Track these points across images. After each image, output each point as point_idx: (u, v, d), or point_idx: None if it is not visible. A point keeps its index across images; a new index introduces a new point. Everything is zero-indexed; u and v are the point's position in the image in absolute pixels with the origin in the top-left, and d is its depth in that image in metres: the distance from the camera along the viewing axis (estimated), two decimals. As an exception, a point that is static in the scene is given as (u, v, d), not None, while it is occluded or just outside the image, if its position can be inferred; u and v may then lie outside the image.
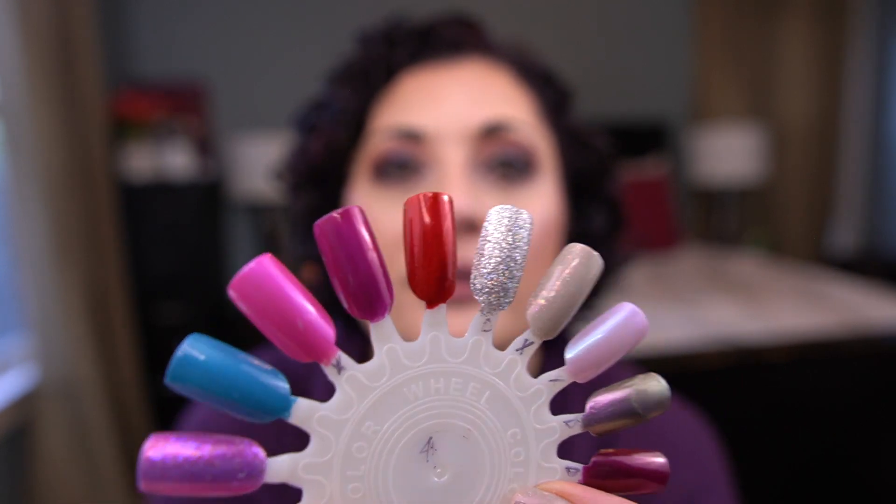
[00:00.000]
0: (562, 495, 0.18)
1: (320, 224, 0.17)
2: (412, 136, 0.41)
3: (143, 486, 0.15)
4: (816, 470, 1.34)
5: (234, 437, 0.16)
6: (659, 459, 0.19)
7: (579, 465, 0.20)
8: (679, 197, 2.72)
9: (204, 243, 2.03)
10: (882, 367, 1.35)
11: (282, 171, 0.49)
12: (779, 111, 2.70)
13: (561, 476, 0.19)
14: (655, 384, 0.19)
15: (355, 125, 0.45)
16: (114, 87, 2.03)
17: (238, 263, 2.37)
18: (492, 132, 0.41)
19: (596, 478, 0.19)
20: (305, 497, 0.18)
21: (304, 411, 0.18)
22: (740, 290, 1.77)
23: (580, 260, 0.19)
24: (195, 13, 2.27)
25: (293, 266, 0.53)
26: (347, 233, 0.17)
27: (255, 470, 0.16)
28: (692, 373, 1.29)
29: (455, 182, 0.39)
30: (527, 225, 0.18)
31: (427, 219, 0.17)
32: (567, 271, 0.19)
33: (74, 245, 1.40)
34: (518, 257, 0.18)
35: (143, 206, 1.88)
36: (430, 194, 0.18)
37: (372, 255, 0.17)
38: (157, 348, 1.88)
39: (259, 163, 2.02)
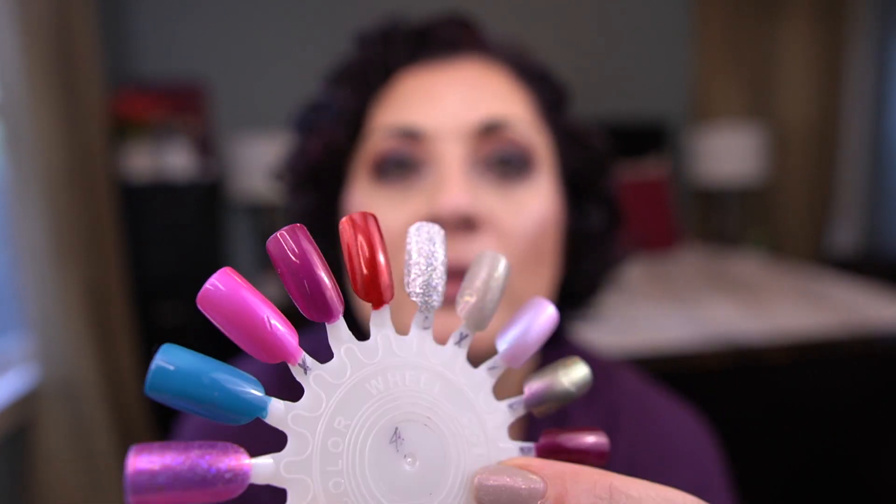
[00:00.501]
0: (523, 468, 0.19)
1: (271, 242, 0.19)
2: (411, 135, 0.41)
3: (130, 498, 0.15)
4: (816, 470, 1.34)
5: (216, 441, 0.17)
6: (594, 438, 0.21)
7: (531, 445, 0.21)
8: (679, 197, 2.72)
9: (204, 243, 2.03)
10: (882, 367, 1.35)
11: (281, 172, 0.49)
12: (779, 111, 2.70)
13: (517, 455, 0.21)
14: (577, 366, 0.22)
15: (354, 125, 0.45)
16: (114, 87, 2.03)
17: (238, 263, 2.37)
18: (490, 130, 0.41)
19: (546, 455, 0.21)
20: (290, 496, 0.18)
21: (279, 411, 0.19)
22: (740, 290, 1.77)
23: (491, 262, 0.22)
24: (195, 13, 2.27)
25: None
26: (295, 247, 0.19)
27: (240, 472, 0.17)
28: (692, 373, 1.29)
29: (453, 179, 0.39)
30: (440, 235, 0.22)
31: (360, 235, 0.20)
32: (483, 272, 0.22)
33: (74, 245, 1.40)
34: (440, 259, 0.21)
35: (143, 206, 1.88)
36: (360, 214, 0.20)
37: (318, 266, 0.19)
38: (156, 348, 1.88)
39: (259, 163, 2.02)
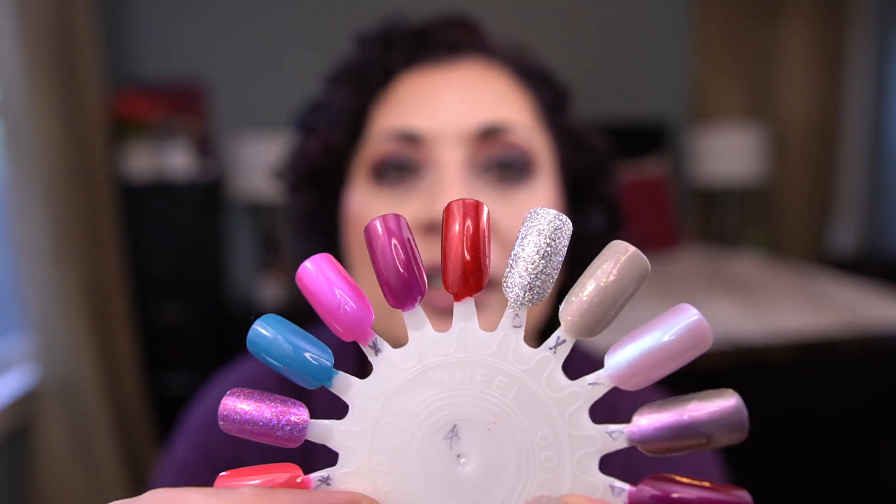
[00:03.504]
0: None
1: (370, 226, 0.19)
2: (410, 138, 0.41)
3: (220, 423, 0.19)
4: (816, 470, 1.34)
5: (288, 398, 0.19)
6: (743, 496, 0.16)
7: (625, 486, 0.18)
8: (679, 197, 2.71)
9: (204, 243, 2.03)
10: (882, 367, 1.34)
11: (281, 171, 0.49)
12: (779, 111, 2.70)
13: (602, 494, 0.18)
14: (723, 399, 0.16)
15: (353, 126, 0.45)
16: (114, 87, 2.03)
17: (238, 263, 2.37)
18: (489, 134, 0.41)
19: None
20: (340, 460, 0.20)
21: (343, 383, 0.20)
22: (740, 290, 1.77)
23: (628, 259, 0.18)
24: (195, 13, 2.27)
25: (293, 265, 0.53)
26: (395, 231, 0.19)
27: (297, 427, 0.19)
28: (692, 373, 1.28)
29: (452, 183, 0.39)
30: (566, 229, 0.18)
31: (467, 221, 0.19)
32: (614, 270, 0.18)
33: (74, 245, 1.40)
34: (557, 259, 0.18)
35: (143, 206, 1.88)
36: (471, 201, 0.19)
37: (412, 252, 0.19)
38: (157, 348, 1.88)
39: (259, 163, 2.02)
